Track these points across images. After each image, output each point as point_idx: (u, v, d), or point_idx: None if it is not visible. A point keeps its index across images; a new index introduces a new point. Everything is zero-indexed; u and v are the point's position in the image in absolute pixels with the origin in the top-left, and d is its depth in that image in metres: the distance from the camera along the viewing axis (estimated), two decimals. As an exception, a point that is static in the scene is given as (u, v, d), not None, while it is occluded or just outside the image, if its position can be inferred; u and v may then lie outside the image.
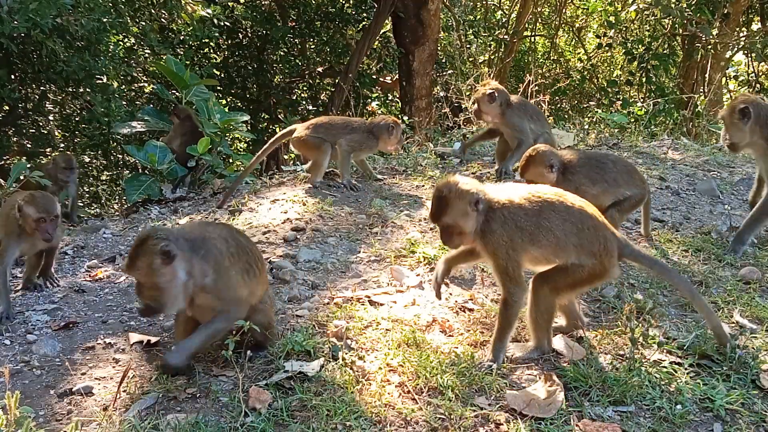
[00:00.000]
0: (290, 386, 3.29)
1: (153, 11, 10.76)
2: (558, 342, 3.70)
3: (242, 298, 3.47)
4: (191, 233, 3.45)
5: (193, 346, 3.42)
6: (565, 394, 3.23)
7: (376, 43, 14.01)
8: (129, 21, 9.56)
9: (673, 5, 11.94)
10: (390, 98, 15.67)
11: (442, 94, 13.03)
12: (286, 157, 9.44)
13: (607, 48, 14.95)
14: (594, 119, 9.50)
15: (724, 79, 14.61)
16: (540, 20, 17.06)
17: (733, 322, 4.03)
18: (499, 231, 3.41)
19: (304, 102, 14.59)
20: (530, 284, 3.52)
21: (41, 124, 9.43)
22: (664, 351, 3.64)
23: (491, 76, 11.82)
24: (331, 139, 6.46)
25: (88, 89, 8.23)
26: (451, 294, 4.28)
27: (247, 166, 6.80)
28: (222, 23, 11.58)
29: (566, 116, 13.08)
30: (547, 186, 3.77)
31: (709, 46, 13.22)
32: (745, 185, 6.77)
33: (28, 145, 8.98)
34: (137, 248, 3.26)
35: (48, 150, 9.45)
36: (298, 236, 5.16)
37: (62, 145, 9.65)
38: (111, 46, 8.76)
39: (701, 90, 13.40)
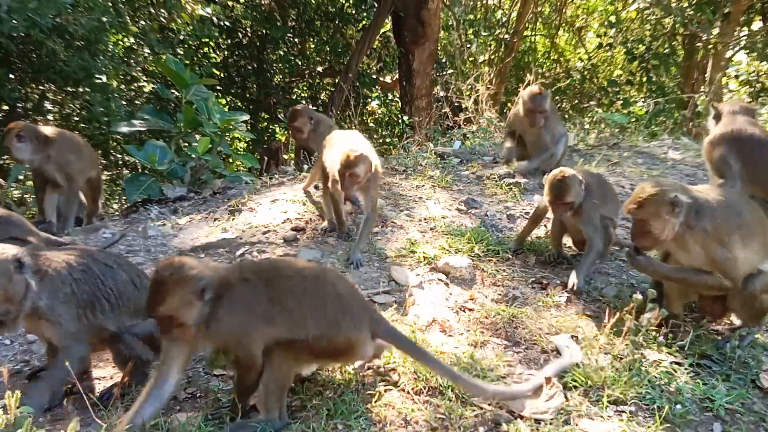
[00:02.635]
0: (290, 386, 3.29)
1: (153, 11, 10.76)
2: (559, 341, 3.70)
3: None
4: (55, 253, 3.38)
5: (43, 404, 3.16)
6: (565, 394, 3.23)
7: (376, 42, 14.00)
8: (129, 20, 9.55)
9: (673, 5, 11.93)
10: (390, 98, 15.66)
11: (442, 94, 13.02)
12: (286, 157, 9.44)
13: (607, 48, 14.95)
14: (594, 119, 9.50)
15: (724, 79, 14.59)
16: (540, 20, 17.04)
17: (730, 322, 4.03)
18: (227, 319, 2.95)
19: (304, 102, 14.59)
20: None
21: (41, 123, 9.41)
22: (664, 351, 3.64)
23: (491, 75, 11.81)
24: None
25: (87, 89, 8.22)
26: (451, 294, 4.28)
27: None
28: (222, 23, 11.59)
29: (566, 116, 13.07)
30: (283, 258, 3.40)
31: (710, 46, 13.20)
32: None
33: (28, 145, 8.96)
34: None
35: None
36: (298, 236, 5.15)
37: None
38: (110, 46, 8.76)
39: (702, 90, 13.37)
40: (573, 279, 4.39)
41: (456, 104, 10.65)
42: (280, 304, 2.99)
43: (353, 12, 13.66)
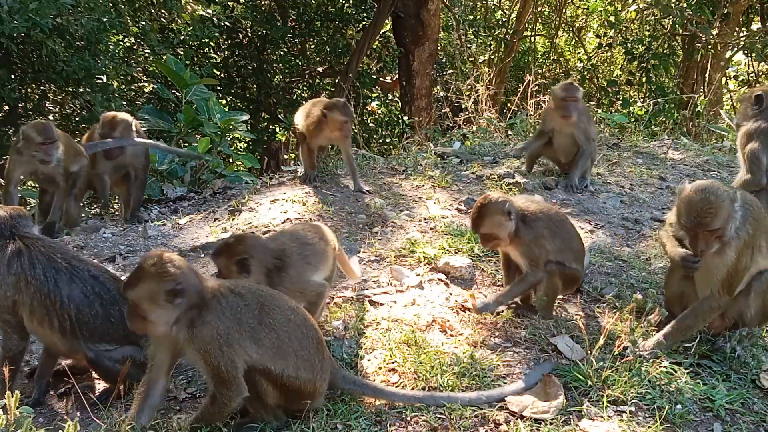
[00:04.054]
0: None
1: (153, 11, 10.76)
2: (559, 341, 3.71)
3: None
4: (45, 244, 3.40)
5: None
6: (565, 394, 3.23)
7: (376, 43, 14.01)
8: (129, 21, 9.55)
9: (673, 5, 11.93)
10: (390, 98, 15.67)
11: (442, 94, 13.04)
12: (286, 157, 9.44)
13: (607, 48, 14.95)
14: (594, 119, 9.50)
15: (724, 79, 14.61)
16: (540, 20, 17.06)
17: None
18: (214, 322, 2.86)
19: (303, 102, 14.55)
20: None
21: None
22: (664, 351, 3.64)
23: (491, 75, 11.81)
24: None
25: (88, 89, 8.22)
26: (451, 294, 4.28)
27: None
28: (222, 23, 11.59)
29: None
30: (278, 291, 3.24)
31: (709, 46, 13.22)
32: (745, 185, 6.76)
33: (28, 145, 8.96)
34: None
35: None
36: (298, 236, 5.16)
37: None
38: (111, 46, 8.76)
39: (701, 90, 13.39)
40: (482, 299, 4.03)
41: (456, 104, 10.66)
42: (271, 329, 2.94)
43: (353, 12, 13.66)
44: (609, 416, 3.12)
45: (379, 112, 15.50)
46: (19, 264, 3.28)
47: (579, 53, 16.91)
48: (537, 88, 9.01)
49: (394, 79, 14.89)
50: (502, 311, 4.05)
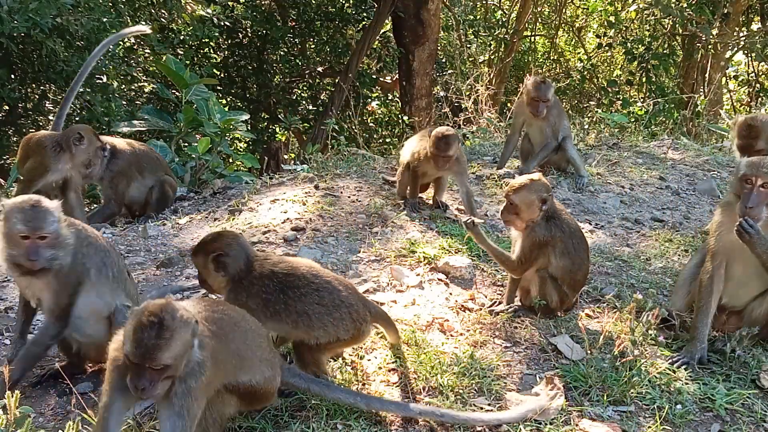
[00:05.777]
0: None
1: (153, 11, 10.77)
2: (559, 341, 3.71)
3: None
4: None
5: None
6: (565, 394, 3.23)
7: (376, 43, 14.02)
8: (129, 21, 9.56)
9: (673, 5, 11.94)
10: (390, 98, 15.67)
11: (442, 94, 13.04)
12: (286, 156, 9.44)
13: (607, 48, 14.95)
14: (594, 119, 9.50)
15: (724, 79, 14.61)
16: (540, 20, 17.06)
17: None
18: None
19: (304, 102, 14.60)
20: None
21: (41, 124, 9.41)
22: (665, 351, 3.64)
23: (491, 75, 11.81)
24: None
25: (87, 89, 8.23)
26: (451, 294, 4.28)
27: None
28: (222, 23, 11.60)
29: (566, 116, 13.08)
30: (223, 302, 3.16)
31: (709, 46, 13.22)
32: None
33: (28, 145, 8.96)
34: None
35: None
36: (298, 236, 5.16)
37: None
38: (111, 46, 8.75)
39: (701, 90, 13.39)
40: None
41: (456, 104, 10.66)
42: (225, 344, 2.80)
43: (353, 12, 13.67)
44: (609, 416, 3.13)
45: (379, 112, 15.51)
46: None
47: (579, 53, 16.91)
48: (537, 88, 8.99)
49: (394, 79, 14.90)
50: (503, 311, 4.06)
